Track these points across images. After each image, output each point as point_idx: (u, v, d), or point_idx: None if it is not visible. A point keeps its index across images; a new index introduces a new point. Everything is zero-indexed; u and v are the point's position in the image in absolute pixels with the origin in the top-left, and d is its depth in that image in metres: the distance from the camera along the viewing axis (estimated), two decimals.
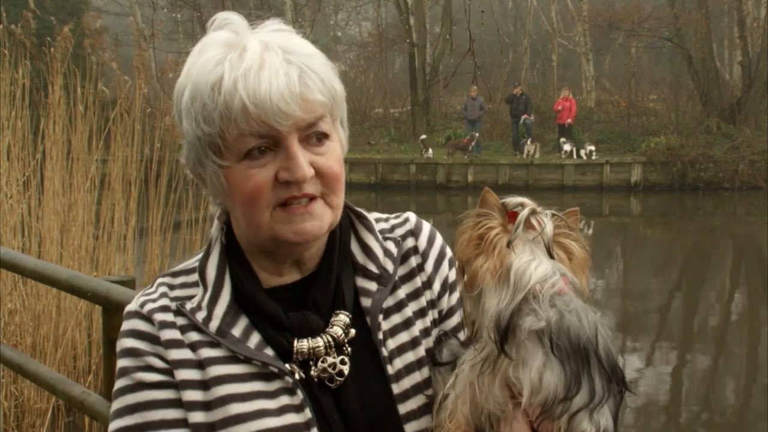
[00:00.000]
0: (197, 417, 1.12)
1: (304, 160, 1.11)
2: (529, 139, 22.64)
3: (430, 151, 22.84)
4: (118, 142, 6.13)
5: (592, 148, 21.94)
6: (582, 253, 1.12)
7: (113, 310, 3.04)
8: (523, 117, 23.56)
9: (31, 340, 5.46)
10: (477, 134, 23.08)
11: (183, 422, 1.13)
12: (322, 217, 1.16)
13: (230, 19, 1.16)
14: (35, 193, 6.05)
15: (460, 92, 28.17)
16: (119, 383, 1.16)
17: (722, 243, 16.91)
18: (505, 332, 1.03)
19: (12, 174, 5.98)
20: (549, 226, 1.07)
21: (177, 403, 1.14)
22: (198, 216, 6.18)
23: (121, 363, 1.17)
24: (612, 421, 1.03)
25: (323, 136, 1.15)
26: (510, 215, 1.10)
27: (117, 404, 1.16)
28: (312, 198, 1.14)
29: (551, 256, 1.07)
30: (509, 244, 1.07)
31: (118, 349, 1.19)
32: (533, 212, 1.08)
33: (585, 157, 21.92)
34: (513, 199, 1.10)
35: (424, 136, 23.48)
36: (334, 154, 1.17)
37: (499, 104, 26.93)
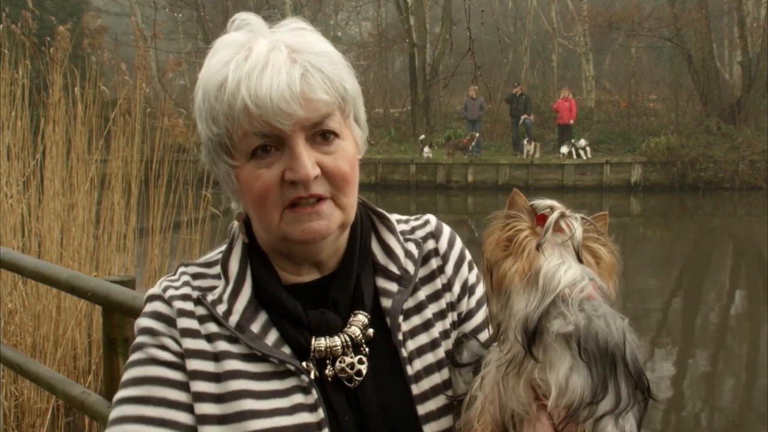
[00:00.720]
0: (206, 408, 1.12)
1: (308, 159, 1.11)
2: (526, 140, 22.62)
3: (428, 149, 22.79)
4: (118, 141, 6.12)
5: (584, 143, 21.86)
6: (610, 258, 1.11)
7: (113, 310, 3.04)
8: (523, 117, 23.57)
9: (31, 340, 5.46)
10: (477, 134, 23.07)
11: (185, 406, 1.13)
12: (330, 218, 1.15)
13: (248, 20, 1.17)
14: (35, 193, 6.05)
15: (460, 92, 28.17)
16: (133, 356, 1.17)
17: (722, 243, 16.90)
18: (533, 335, 1.03)
19: (12, 174, 5.98)
20: (579, 231, 1.07)
21: (184, 387, 1.13)
22: (198, 216, 6.18)
23: (138, 339, 1.18)
24: (636, 429, 1.03)
25: (332, 135, 1.14)
26: (539, 218, 1.09)
27: (126, 375, 1.17)
28: (321, 198, 1.14)
29: (580, 261, 1.07)
30: (538, 247, 1.06)
31: (136, 328, 1.20)
32: (563, 215, 1.08)
33: (584, 156, 21.89)
34: (542, 202, 1.10)
35: (423, 136, 23.48)
36: (343, 153, 1.16)
37: (499, 104, 26.93)
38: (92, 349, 5.67)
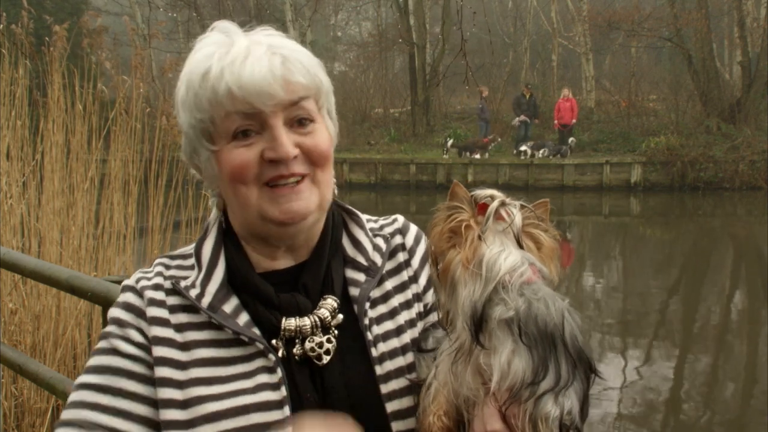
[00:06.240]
0: (169, 393, 1.17)
1: (288, 139, 1.18)
2: (529, 143, 22.64)
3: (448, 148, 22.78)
4: (117, 141, 6.12)
5: (544, 151, 22.03)
6: (550, 243, 1.15)
7: None
8: (521, 118, 23.51)
9: (31, 340, 5.45)
10: (499, 138, 23.16)
11: (142, 398, 1.18)
12: (309, 198, 1.22)
13: (226, 27, 1.24)
14: (35, 193, 6.05)
15: (460, 92, 28.18)
16: (99, 344, 1.23)
17: (722, 243, 16.90)
18: (479, 322, 1.06)
19: (12, 174, 5.98)
20: (518, 217, 1.11)
21: (143, 379, 1.19)
22: (198, 216, 6.17)
23: (107, 328, 1.24)
24: (578, 404, 1.06)
25: (307, 120, 1.21)
26: (480, 207, 1.13)
27: (90, 361, 1.22)
28: (300, 178, 1.20)
29: (520, 246, 1.10)
30: (480, 236, 1.10)
31: (108, 317, 1.25)
32: (503, 204, 1.12)
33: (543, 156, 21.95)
34: (482, 192, 1.14)
35: (451, 141, 23.44)
36: (320, 133, 1.23)
37: (499, 104, 26.94)
38: (92, 349, 5.66)
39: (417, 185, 22.52)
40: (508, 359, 1.04)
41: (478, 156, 22.54)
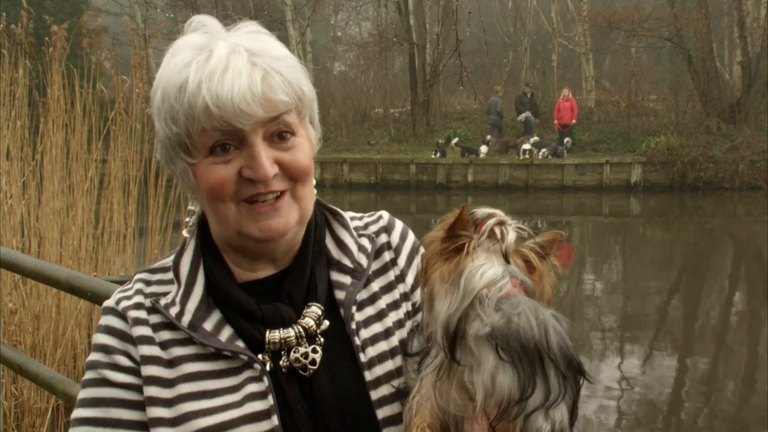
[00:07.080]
0: (158, 412, 1.15)
1: (267, 159, 1.14)
2: (531, 140, 22.64)
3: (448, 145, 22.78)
4: (117, 141, 6.11)
5: (544, 152, 22.02)
6: (542, 268, 1.11)
7: None
8: (525, 114, 23.56)
9: (31, 340, 5.45)
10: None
11: (137, 424, 1.17)
12: (289, 215, 1.19)
13: (205, 22, 1.20)
14: (35, 193, 6.04)
15: (460, 92, 28.15)
16: (88, 375, 1.21)
17: (722, 243, 16.90)
18: (454, 338, 1.04)
19: (12, 174, 5.97)
20: (511, 235, 1.08)
21: (136, 405, 1.17)
22: None
23: (92, 356, 1.21)
24: (567, 413, 1.04)
25: (288, 134, 1.18)
26: (480, 224, 1.11)
27: (82, 394, 1.20)
28: (280, 194, 1.17)
29: (507, 262, 1.07)
30: (468, 252, 1.07)
31: (92, 342, 1.22)
32: (500, 223, 1.09)
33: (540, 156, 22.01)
34: (483, 210, 1.11)
35: (456, 139, 23.36)
36: (300, 147, 1.19)
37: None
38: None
39: (417, 185, 22.51)
40: (491, 376, 1.02)
41: (484, 152, 22.51)
